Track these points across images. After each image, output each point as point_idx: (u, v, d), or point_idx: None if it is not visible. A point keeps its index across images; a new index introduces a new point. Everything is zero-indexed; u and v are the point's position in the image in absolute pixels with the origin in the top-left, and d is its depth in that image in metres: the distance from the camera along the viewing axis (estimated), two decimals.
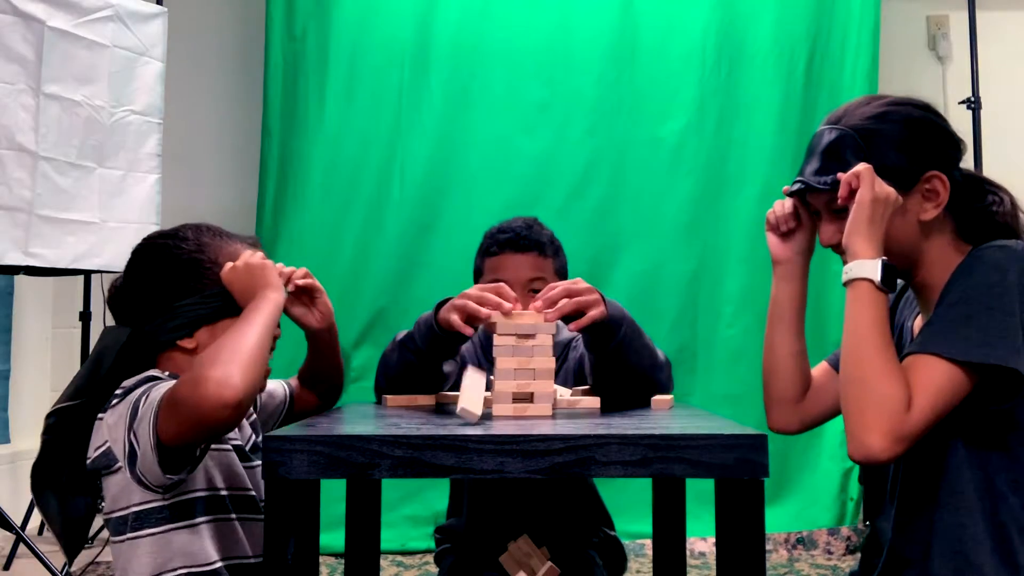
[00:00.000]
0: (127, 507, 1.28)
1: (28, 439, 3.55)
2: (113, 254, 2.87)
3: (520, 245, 1.82)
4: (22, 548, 2.89)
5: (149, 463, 1.22)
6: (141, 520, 1.28)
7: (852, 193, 1.30)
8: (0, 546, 3.05)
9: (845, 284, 1.29)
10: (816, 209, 1.43)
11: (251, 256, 1.40)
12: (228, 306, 1.38)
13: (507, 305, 1.37)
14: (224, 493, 1.35)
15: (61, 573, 2.66)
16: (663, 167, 3.49)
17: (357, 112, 3.49)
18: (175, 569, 1.29)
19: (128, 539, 1.29)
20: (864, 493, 1.55)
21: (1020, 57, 3.92)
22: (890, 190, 1.29)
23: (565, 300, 1.39)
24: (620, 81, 3.51)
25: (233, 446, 1.40)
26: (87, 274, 3.30)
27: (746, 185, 3.45)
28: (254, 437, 1.46)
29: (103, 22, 2.89)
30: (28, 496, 3.21)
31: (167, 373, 1.35)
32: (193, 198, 3.69)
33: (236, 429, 1.43)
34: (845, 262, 1.34)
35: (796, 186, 1.40)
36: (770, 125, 3.48)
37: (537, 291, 1.79)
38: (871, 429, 1.19)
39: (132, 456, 1.24)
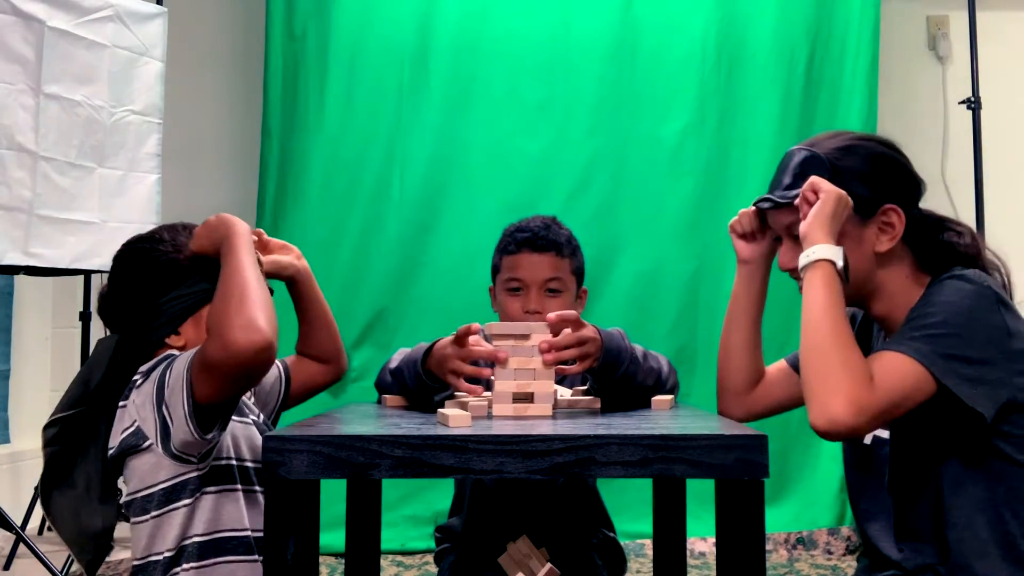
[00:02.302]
0: (155, 484, 1.30)
1: (28, 439, 3.55)
2: (113, 254, 2.87)
3: (538, 245, 1.81)
4: (22, 548, 2.88)
5: (184, 432, 1.24)
6: (177, 492, 1.30)
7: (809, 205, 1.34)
8: (0, 546, 3.05)
9: (802, 269, 1.32)
10: (777, 234, 1.47)
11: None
12: (207, 293, 1.40)
13: (502, 353, 1.35)
14: (250, 465, 1.38)
15: (61, 573, 2.66)
16: (663, 167, 3.49)
17: (357, 112, 3.49)
18: (192, 536, 1.30)
19: (155, 516, 1.31)
20: (851, 498, 1.55)
21: (1020, 57, 3.92)
22: (844, 193, 1.33)
23: (569, 350, 1.39)
24: (620, 81, 3.51)
25: (252, 420, 1.42)
26: (87, 274, 3.30)
27: (746, 185, 3.44)
28: (263, 416, 1.49)
29: (103, 22, 2.89)
30: (28, 496, 3.21)
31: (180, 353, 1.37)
32: (193, 198, 3.69)
33: (251, 404, 1.47)
34: (799, 276, 1.37)
35: (765, 204, 1.45)
36: (770, 125, 3.48)
37: (554, 291, 1.81)
38: (835, 393, 1.20)
39: (165, 430, 1.26)
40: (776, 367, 1.62)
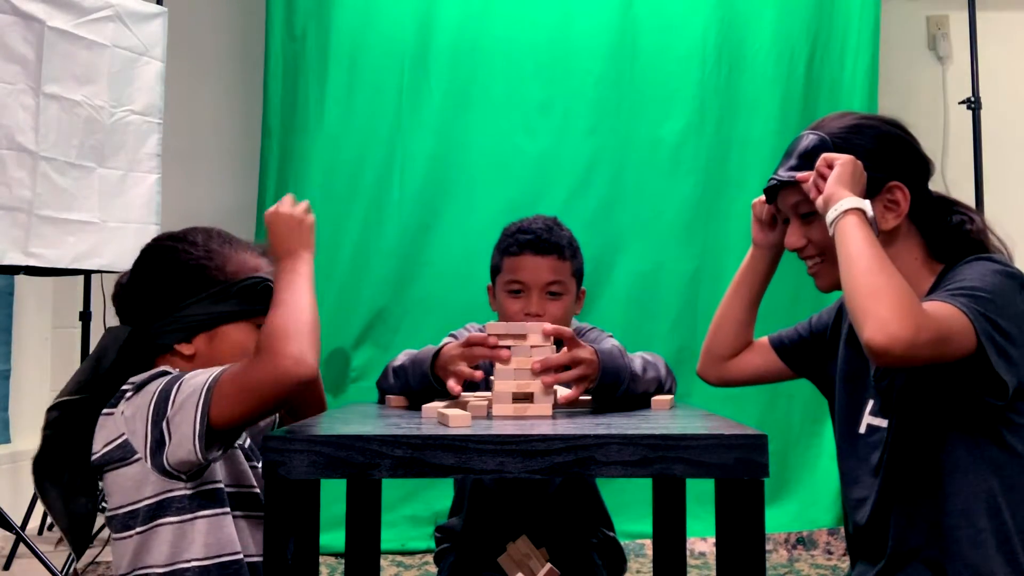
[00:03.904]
0: (139, 500, 1.28)
1: (28, 439, 3.55)
2: (113, 254, 2.87)
3: (540, 248, 1.82)
4: (22, 548, 2.88)
5: (185, 450, 1.21)
6: (163, 509, 1.28)
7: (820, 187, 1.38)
8: (0, 546, 3.05)
9: (831, 224, 1.33)
10: (786, 216, 1.50)
11: (297, 210, 1.37)
12: (227, 314, 1.38)
13: (505, 352, 1.35)
14: (230, 490, 1.35)
15: (61, 573, 2.66)
16: (663, 167, 3.49)
17: (357, 112, 3.49)
18: (190, 560, 1.28)
19: (139, 532, 1.28)
20: (843, 487, 1.55)
21: (1020, 57, 3.92)
22: (857, 159, 1.36)
23: (567, 372, 1.37)
24: (620, 81, 3.51)
25: (237, 445, 1.40)
26: (87, 274, 3.30)
27: (746, 185, 3.44)
28: (249, 439, 1.47)
29: (103, 22, 2.89)
30: (28, 496, 3.21)
31: (177, 370, 1.35)
32: (193, 198, 3.69)
33: None
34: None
35: (770, 183, 1.48)
36: (770, 125, 3.48)
37: (555, 294, 1.82)
38: (893, 309, 1.19)
39: (158, 446, 1.24)
40: (757, 342, 1.68)
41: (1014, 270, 1.32)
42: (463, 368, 1.43)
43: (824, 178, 1.36)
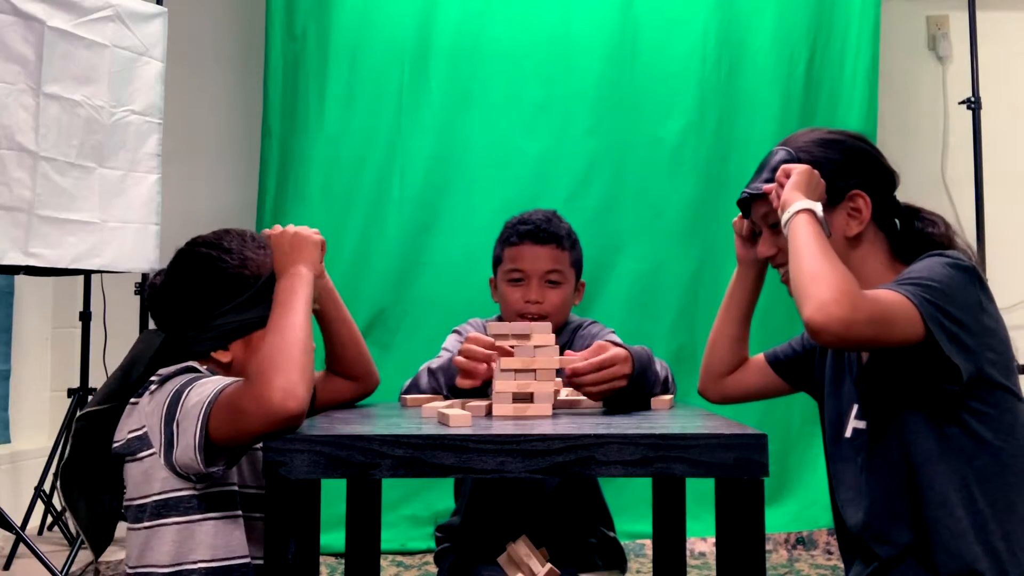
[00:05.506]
0: (148, 495, 1.29)
1: (28, 439, 3.55)
2: (113, 254, 2.87)
3: (539, 237, 1.87)
4: (22, 548, 2.88)
5: (189, 458, 1.22)
6: (168, 508, 1.28)
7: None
8: (0, 546, 3.05)
9: (785, 224, 1.39)
10: (759, 228, 1.57)
11: (303, 228, 1.41)
12: (260, 319, 1.37)
13: (481, 367, 1.45)
14: (252, 491, 1.36)
15: (61, 573, 2.66)
16: (663, 167, 3.49)
17: (357, 112, 3.49)
18: (196, 562, 1.28)
19: (147, 527, 1.29)
20: (831, 490, 1.57)
21: (1020, 57, 3.93)
22: (813, 169, 1.44)
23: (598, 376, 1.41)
24: (620, 81, 3.51)
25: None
26: (87, 274, 3.30)
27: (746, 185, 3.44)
28: None
29: (103, 22, 2.89)
30: (28, 496, 3.21)
31: (206, 367, 1.36)
32: (193, 198, 3.69)
33: None
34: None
35: (742, 196, 1.58)
36: (770, 125, 3.48)
37: (553, 283, 1.87)
38: (830, 289, 1.25)
39: (169, 447, 1.25)
40: (754, 359, 1.72)
41: (966, 263, 1.36)
42: (476, 349, 1.47)
43: (782, 186, 1.44)
